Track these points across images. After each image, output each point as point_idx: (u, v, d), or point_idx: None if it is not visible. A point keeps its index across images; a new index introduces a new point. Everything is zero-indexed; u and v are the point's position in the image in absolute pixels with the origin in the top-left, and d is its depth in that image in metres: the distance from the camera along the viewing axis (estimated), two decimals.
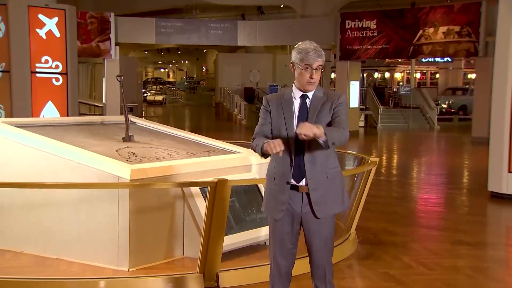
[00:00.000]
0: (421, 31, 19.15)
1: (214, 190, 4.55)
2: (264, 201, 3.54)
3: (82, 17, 19.18)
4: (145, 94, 46.05)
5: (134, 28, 21.06)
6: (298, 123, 3.34)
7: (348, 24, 20.32)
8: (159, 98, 45.36)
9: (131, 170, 4.96)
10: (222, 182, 4.55)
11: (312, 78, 3.33)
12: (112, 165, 5.05)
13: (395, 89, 29.81)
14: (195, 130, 21.79)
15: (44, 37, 11.43)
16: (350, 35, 20.32)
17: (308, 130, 3.07)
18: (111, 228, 4.98)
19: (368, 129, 24.01)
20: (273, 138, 3.39)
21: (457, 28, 18.53)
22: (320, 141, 3.15)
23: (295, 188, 3.37)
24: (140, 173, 5.03)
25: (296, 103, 3.41)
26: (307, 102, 3.40)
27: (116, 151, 5.68)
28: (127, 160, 5.36)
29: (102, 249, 5.03)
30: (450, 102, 29.27)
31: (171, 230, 5.27)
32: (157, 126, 7.35)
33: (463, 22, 18.36)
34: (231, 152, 6.45)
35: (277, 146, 3.17)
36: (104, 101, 20.45)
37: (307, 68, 3.31)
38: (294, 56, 3.37)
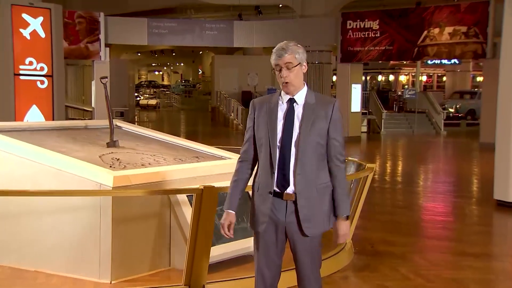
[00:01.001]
0: (425, 32, 19.18)
1: (200, 197, 4.53)
2: (250, 214, 3.51)
3: (70, 16, 19.22)
4: (138, 98, 46.19)
5: (124, 29, 21.07)
6: (283, 131, 3.32)
7: (350, 25, 20.36)
8: (153, 102, 45.45)
9: (114, 177, 4.94)
10: (208, 189, 4.54)
11: (282, 77, 3.29)
12: (94, 171, 5.04)
13: (399, 93, 29.84)
14: (189, 135, 21.87)
15: (28, 37, 11.44)
16: (352, 36, 20.35)
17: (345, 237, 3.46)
18: (92, 238, 4.95)
19: (371, 135, 24.06)
20: (255, 147, 3.43)
21: (463, 29, 18.55)
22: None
23: (278, 195, 3.34)
24: (124, 180, 5.01)
25: (282, 108, 3.37)
26: (295, 107, 3.36)
27: (99, 157, 5.67)
28: (110, 167, 5.35)
29: (83, 261, 5.01)
30: (458, 106, 29.30)
31: (156, 240, 5.24)
32: (144, 130, 7.35)
33: (470, 22, 18.38)
34: (221, 158, 6.45)
35: (225, 230, 3.45)
36: (93, 105, 20.48)
37: (278, 69, 3.30)
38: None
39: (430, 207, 9.49)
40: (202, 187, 4.52)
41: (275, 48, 3.32)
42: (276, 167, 3.32)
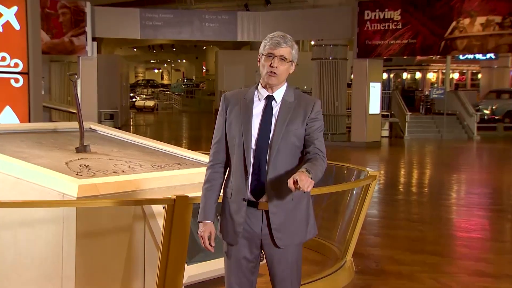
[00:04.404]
0: (454, 23, 19.08)
1: (172, 209, 4.53)
2: (219, 221, 3.51)
3: (52, 6, 19.29)
4: (134, 99, 46.44)
5: (114, 21, 21.06)
6: (259, 132, 3.32)
7: (368, 15, 20.29)
8: (150, 103, 45.67)
9: (79, 185, 4.92)
10: (181, 200, 4.53)
11: (272, 67, 3.29)
12: (57, 180, 5.02)
13: (426, 92, 29.72)
14: (189, 140, 21.91)
15: (1, 30, 11.47)
16: (370, 28, 20.28)
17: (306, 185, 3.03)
18: (54, 255, 4.95)
19: (393, 140, 23.98)
20: (227, 148, 3.43)
21: (498, 19, 18.44)
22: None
23: (253, 205, 3.34)
24: (91, 189, 5.00)
25: (259, 105, 3.37)
26: (273, 105, 3.36)
27: (66, 163, 5.67)
28: (77, 174, 5.34)
29: (43, 281, 5.00)
30: (494, 107, 29.10)
31: (128, 258, 5.23)
32: (121, 134, 7.34)
33: (505, 11, 18.28)
34: (206, 164, 6.42)
35: (206, 243, 3.43)
36: None
37: (269, 56, 3.30)
38: (261, 46, 3.38)
39: (453, 222, 9.47)
40: (174, 197, 4.52)
41: (270, 35, 3.34)
42: (251, 172, 3.32)
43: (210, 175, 3.50)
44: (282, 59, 3.30)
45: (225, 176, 3.51)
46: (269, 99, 3.37)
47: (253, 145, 3.32)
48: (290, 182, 3.03)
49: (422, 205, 10.81)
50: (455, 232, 8.69)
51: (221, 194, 3.53)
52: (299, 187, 2.99)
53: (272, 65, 3.29)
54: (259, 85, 3.41)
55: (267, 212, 3.33)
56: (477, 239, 8.23)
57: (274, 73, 3.30)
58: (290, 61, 3.34)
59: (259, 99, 3.39)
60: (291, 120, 3.33)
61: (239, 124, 3.35)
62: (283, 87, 3.40)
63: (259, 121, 3.34)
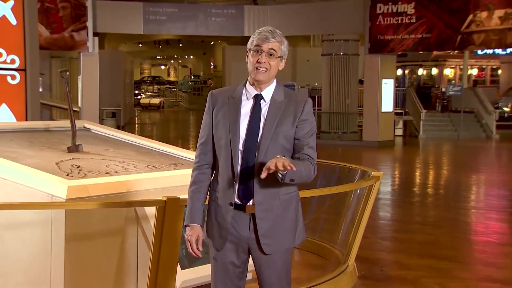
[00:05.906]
0: (471, 16, 19.00)
1: (163, 211, 4.52)
2: (205, 224, 3.50)
3: (51, 0, 19.30)
4: (139, 97, 46.62)
5: (116, 15, 21.10)
6: (247, 133, 3.30)
7: (380, 9, 20.24)
8: (156, 101, 45.87)
9: (68, 187, 4.90)
10: (172, 201, 4.52)
11: (259, 62, 3.28)
12: (45, 181, 5.02)
13: (443, 89, 29.60)
14: (195, 140, 21.91)
15: None
16: (382, 22, 20.23)
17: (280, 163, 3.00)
18: (42, 259, 4.95)
19: (407, 139, 23.91)
20: (213, 148, 3.41)
21: None
22: (279, 174, 3.10)
23: (240, 208, 3.33)
24: (80, 190, 4.99)
25: (247, 105, 3.36)
26: (261, 104, 3.34)
27: (56, 163, 5.67)
28: (67, 175, 5.34)
29: (31, 286, 5.00)
30: None
31: (120, 261, 5.23)
32: (116, 133, 7.35)
33: None
34: None
35: (194, 247, 3.40)
36: (80, 105, 20.59)
37: (257, 51, 3.29)
38: (249, 41, 3.37)
39: (468, 225, 9.42)
40: (165, 199, 4.51)
41: (259, 30, 3.34)
42: (238, 175, 3.30)
43: (196, 177, 3.48)
44: (270, 54, 3.29)
45: (212, 178, 3.50)
46: (258, 98, 3.35)
47: (240, 147, 3.30)
48: (264, 172, 3.04)
49: (437, 207, 10.75)
50: (469, 236, 8.65)
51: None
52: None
53: (259, 60, 3.28)
54: (247, 82, 3.39)
55: (254, 216, 3.32)
56: (492, 244, 8.17)
57: (265, 69, 3.30)
58: (279, 56, 3.33)
59: (247, 98, 3.37)
60: (280, 121, 3.30)
61: (226, 125, 3.34)
62: (272, 85, 3.38)
63: (247, 122, 3.32)
